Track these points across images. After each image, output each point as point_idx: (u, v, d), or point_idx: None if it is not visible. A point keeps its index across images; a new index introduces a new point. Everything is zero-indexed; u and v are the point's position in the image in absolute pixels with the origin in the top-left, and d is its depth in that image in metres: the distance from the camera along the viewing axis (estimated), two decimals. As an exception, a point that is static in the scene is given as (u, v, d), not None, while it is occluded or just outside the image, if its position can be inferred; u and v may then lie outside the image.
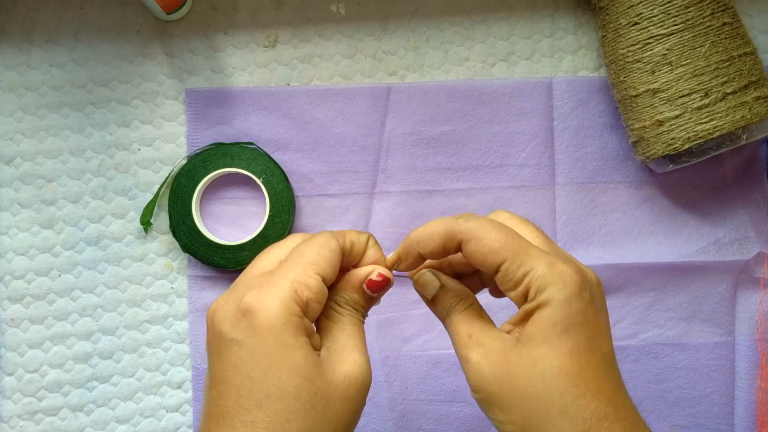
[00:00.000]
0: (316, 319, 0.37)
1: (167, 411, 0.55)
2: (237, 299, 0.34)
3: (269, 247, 0.38)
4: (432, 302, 0.39)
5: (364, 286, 0.38)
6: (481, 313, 0.38)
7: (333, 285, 0.38)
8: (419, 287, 0.39)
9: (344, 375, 0.34)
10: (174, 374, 0.55)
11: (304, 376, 0.33)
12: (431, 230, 0.36)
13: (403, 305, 0.55)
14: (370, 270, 0.38)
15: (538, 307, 0.33)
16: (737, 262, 0.55)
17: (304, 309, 0.34)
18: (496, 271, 0.35)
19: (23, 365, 0.55)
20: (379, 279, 0.38)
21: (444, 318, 0.38)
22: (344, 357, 0.35)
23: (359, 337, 0.37)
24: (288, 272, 0.35)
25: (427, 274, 0.39)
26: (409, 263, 0.38)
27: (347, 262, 0.38)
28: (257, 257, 0.38)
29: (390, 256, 0.39)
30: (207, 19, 0.55)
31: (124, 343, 0.55)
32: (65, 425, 0.55)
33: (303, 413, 0.32)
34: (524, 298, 0.34)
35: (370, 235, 0.40)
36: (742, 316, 0.56)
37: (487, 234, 0.35)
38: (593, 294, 0.35)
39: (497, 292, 0.39)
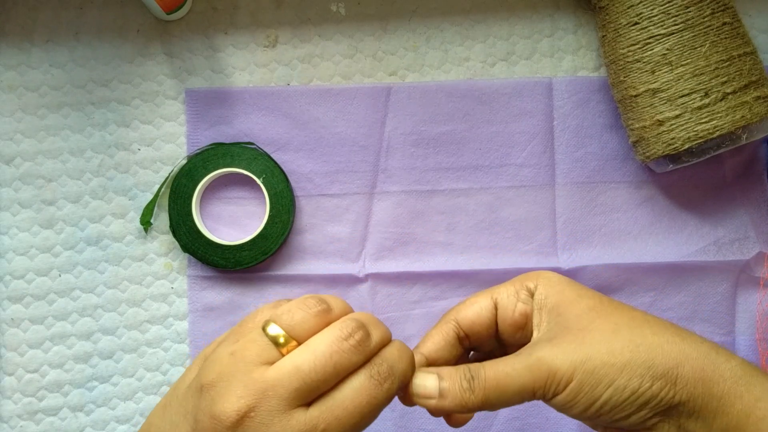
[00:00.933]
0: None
1: (167, 411, 0.55)
2: (238, 398, 0.30)
3: (321, 335, 0.32)
4: (443, 401, 0.34)
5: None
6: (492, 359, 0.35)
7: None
8: (422, 399, 0.35)
9: None
10: (174, 374, 0.55)
11: None
12: (432, 338, 0.38)
13: (403, 305, 0.55)
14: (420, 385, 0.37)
15: (549, 283, 0.36)
16: (737, 262, 0.55)
17: (308, 395, 0.31)
18: (494, 309, 0.37)
19: (23, 365, 0.55)
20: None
21: (471, 397, 0.34)
22: None
23: None
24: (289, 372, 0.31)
25: (417, 378, 0.35)
26: None
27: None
28: (303, 350, 0.32)
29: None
30: (207, 19, 0.55)
31: (124, 343, 0.55)
32: (65, 425, 0.55)
33: None
34: (530, 298, 0.36)
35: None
36: (742, 316, 0.56)
37: (466, 300, 0.38)
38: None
39: None
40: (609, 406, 0.32)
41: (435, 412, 0.35)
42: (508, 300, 0.37)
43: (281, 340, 0.32)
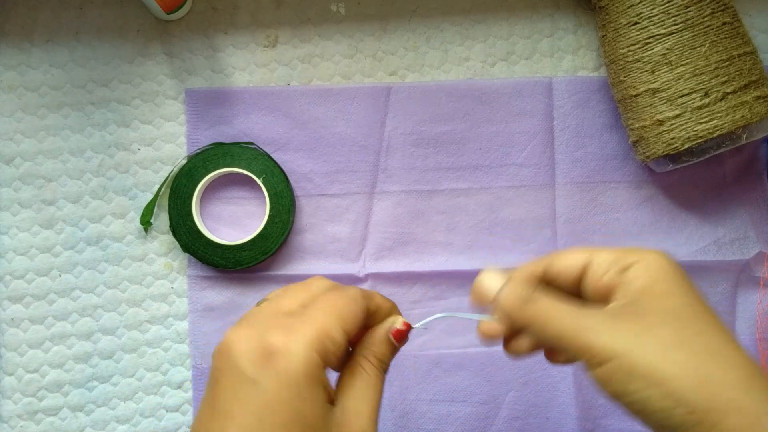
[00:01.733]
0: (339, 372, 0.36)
1: (167, 411, 0.55)
2: (260, 336, 0.32)
3: (290, 286, 0.37)
4: (497, 300, 0.36)
5: (390, 337, 0.37)
6: (565, 298, 0.35)
7: (354, 343, 0.37)
8: (477, 292, 0.38)
9: None
10: (174, 374, 0.55)
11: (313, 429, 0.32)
12: (522, 269, 0.37)
13: (403, 305, 0.55)
14: (392, 321, 0.38)
15: (647, 265, 0.33)
16: (737, 261, 0.55)
17: (325, 361, 0.33)
18: (583, 268, 0.35)
19: (23, 365, 0.55)
20: (403, 327, 0.38)
21: (520, 310, 0.35)
22: (357, 425, 0.33)
23: (376, 404, 0.35)
24: (315, 319, 0.33)
25: (485, 274, 0.37)
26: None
27: (368, 324, 0.38)
28: (277, 294, 0.37)
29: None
30: (207, 19, 0.55)
31: (124, 343, 0.55)
32: (65, 425, 0.55)
33: None
34: (621, 273, 0.34)
35: (395, 305, 0.39)
36: (742, 316, 0.56)
37: (567, 249, 0.37)
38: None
39: (553, 356, 0.38)
40: (636, 407, 0.31)
41: (484, 309, 0.37)
42: (601, 267, 0.35)
43: None
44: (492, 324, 0.37)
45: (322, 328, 0.33)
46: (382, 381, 0.36)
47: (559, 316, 0.34)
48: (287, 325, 0.33)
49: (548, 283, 0.37)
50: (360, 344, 0.37)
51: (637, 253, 0.35)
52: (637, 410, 0.31)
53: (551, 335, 0.34)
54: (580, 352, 0.32)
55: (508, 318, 0.36)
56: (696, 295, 0.34)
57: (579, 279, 0.36)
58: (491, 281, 0.37)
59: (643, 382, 0.30)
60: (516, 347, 0.37)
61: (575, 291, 0.37)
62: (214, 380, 0.33)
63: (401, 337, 0.38)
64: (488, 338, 0.37)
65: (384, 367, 0.37)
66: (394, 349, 0.38)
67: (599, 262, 0.35)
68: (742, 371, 0.31)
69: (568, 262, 0.36)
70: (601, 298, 0.35)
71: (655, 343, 0.31)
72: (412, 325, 0.39)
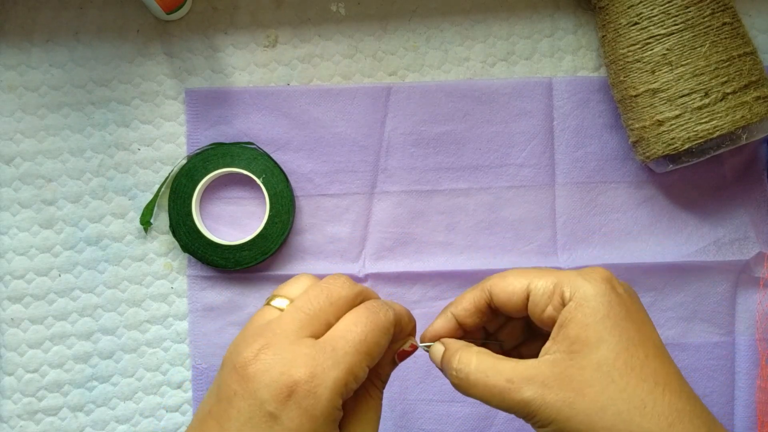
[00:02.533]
0: None
1: (167, 411, 0.55)
2: (284, 367, 0.32)
3: (308, 285, 0.37)
4: (443, 368, 0.37)
5: (396, 357, 0.38)
6: (496, 356, 0.36)
7: None
8: (434, 358, 0.39)
9: None
10: (174, 374, 0.55)
11: None
12: (464, 301, 0.37)
13: (402, 305, 0.55)
14: (401, 343, 0.38)
15: (577, 307, 0.33)
16: (737, 262, 0.55)
17: (344, 399, 0.33)
18: (527, 298, 0.35)
19: (23, 365, 0.55)
20: (410, 349, 0.38)
21: (465, 380, 0.36)
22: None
23: (377, 424, 0.36)
24: (344, 361, 0.33)
25: (434, 345, 0.39)
26: (450, 334, 0.39)
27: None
28: (291, 291, 0.37)
29: (430, 330, 0.39)
30: (207, 19, 0.55)
31: (124, 343, 0.55)
32: (65, 425, 0.55)
33: None
34: (561, 308, 0.34)
35: (415, 325, 0.40)
36: (742, 316, 0.56)
37: (508, 272, 0.37)
38: (626, 288, 0.35)
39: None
40: None
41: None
42: (540, 300, 0.35)
43: (285, 305, 0.36)
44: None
45: (350, 370, 0.33)
46: (381, 398, 0.37)
47: (490, 385, 0.34)
48: (313, 357, 0.32)
49: (495, 311, 0.38)
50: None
51: (573, 284, 0.34)
52: None
53: (489, 399, 0.34)
54: (516, 412, 0.34)
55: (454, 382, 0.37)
56: (630, 334, 0.33)
57: (523, 308, 0.37)
58: (436, 353, 0.38)
59: None
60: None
61: (524, 314, 0.38)
62: (226, 399, 0.32)
63: (405, 356, 0.38)
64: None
65: (384, 386, 0.37)
66: (395, 367, 0.38)
67: (537, 295, 0.35)
68: (675, 412, 0.32)
69: (508, 291, 0.36)
70: (547, 326, 0.36)
71: (588, 404, 0.32)
72: (418, 345, 0.39)
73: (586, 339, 0.33)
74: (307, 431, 0.31)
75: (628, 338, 0.33)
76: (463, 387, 0.36)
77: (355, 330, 0.34)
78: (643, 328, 0.34)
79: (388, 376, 0.38)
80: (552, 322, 0.35)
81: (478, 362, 0.35)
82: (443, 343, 0.38)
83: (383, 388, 0.37)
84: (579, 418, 0.32)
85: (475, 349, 0.36)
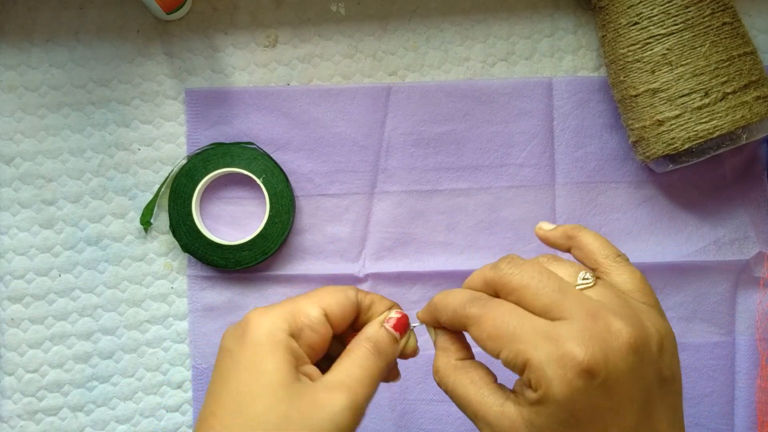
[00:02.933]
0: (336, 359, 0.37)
1: (167, 411, 0.55)
2: (243, 319, 0.36)
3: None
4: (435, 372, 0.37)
5: (386, 326, 0.38)
6: (473, 379, 0.35)
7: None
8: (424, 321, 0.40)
9: (320, 412, 0.33)
10: (174, 374, 0.55)
11: (273, 393, 0.33)
12: (447, 303, 0.36)
13: (403, 305, 0.55)
14: (387, 313, 0.39)
15: (541, 402, 0.30)
16: (737, 262, 0.55)
17: (296, 333, 0.35)
18: (498, 356, 0.33)
19: (23, 365, 0.55)
20: (397, 315, 0.38)
21: (443, 386, 0.36)
22: (330, 395, 0.33)
23: (361, 383, 0.34)
24: (295, 301, 0.36)
25: (437, 334, 0.39)
26: (430, 324, 0.39)
27: (363, 317, 0.39)
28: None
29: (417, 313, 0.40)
30: (207, 19, 0.55)
31: (124, 343, 0.55)
32: (65, 425, 0.55)
33: (266, 427, 0.32)
34: (528, 384, 0.32)
35: (395, 304, 0.40)
36: (742, 316, 0.56)
37: (486, 320, 0.33)
38: (614, 368, 0.30)
39: None
40: None
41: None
42: (512, 369, 0.32)
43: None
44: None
45: (295, 305, 0.36)
46: (377, 366, 0.36)
47: (469, 398, 0.34)
48: (262, 311, 0.36)
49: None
50: (358, 333, 0.38)
51: (544, 369, 0.30)
52: None
53: (470, 413, 0.34)
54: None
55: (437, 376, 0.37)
56: (591, 430, 0.31)
57: None
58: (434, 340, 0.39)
59: None
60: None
61: None
62: (215, 361, 0.36)
63: (399, 326, 0.38)
64: None
65: (379, 352, 0.37)
66: (392, 339, 0.38)
67: (508, 366, 0.32)
68: None
69: (482, 346, 0.34)
70: None
71: None
72: (413, 324, 0.39)
73: (542, 427, 0.31)
74: (251, 355, 0.34)
75: (587, 406, 0.30)
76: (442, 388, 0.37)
77: (312, 290, 0.38)
78: (611, 423, 0.30)
79: (381, 342, 0.37)
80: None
81: (454, 381, 0.35)
82: (444, 343, 0.38)
83: (378, 353, 0.37)
84: None
85: (458, 365, 0.36)
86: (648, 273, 0.55)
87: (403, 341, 0.39)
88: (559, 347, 0.30)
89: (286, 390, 0.33)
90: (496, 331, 0.32)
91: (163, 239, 0.55)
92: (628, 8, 0.50)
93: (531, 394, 0.31)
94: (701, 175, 0.56)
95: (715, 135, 0.49)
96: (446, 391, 0.36)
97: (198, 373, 0.55)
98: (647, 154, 0.52)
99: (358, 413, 0.34)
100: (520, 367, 0.31)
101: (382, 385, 0.55)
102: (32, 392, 0.55)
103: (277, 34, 0.56)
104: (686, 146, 0.49)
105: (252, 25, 0.55)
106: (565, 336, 0.30)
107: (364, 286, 0.55)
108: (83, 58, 0.55)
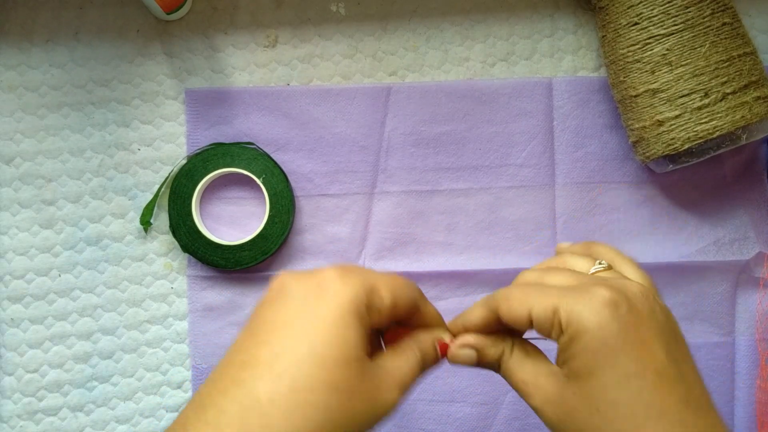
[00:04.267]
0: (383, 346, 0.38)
1: (167, 411, 0.55)
2: (315, 277, 0.34)
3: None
4: (479, 365, 0.38)
5: (436, 345, 0.38)
6: (528, 351, 0.37)
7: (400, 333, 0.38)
8: (459, 362, 0.39)
9: (381, 396, 0.33)
10: (174, 374, 0.55)
11: (347, 363, 0.31)
12: (473, 317, 0.38)
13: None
14: (441, 332, 0.39)
15: (572, 340, 0.32)
16: (737, 262, 0.55)
17: (369, 309, 0.33)
18: (530, 321, 0.34)
19: (23, 365, 0.55)
20: (449, 343, 0.38)
21: (497, 370, 0.38)
22: (387, 380, 0.34)
23: (409, 379, 0.35)
24: (370, 276, 0.34)
25: (460, 352, 0.38)
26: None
27: (415, 321, 0.38)
28: None
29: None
30: (207, 19, 0.55)
31: (124, 343, 0.55)
32: (65, 425, 0.55)
33: (327, 390, 0.31)
34: (560, 334, 0.33)
35: (441, 317, 0.40)
36: (742, 316, 0.56)
37: (511, 293, 0.36)
38: (633, 305, 0.33)
39: None
40: None
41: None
42: (543, 324, 0.34)
43: None
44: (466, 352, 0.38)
45: (373, 281, 0.34)
46: (419, 371, 0.37)
47: (531, 385, 0.35)
48: (342, 273, 0.34)
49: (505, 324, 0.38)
50: (409, 336, 0.38)
51: (572, 307, 0.33)
52: None
53: (514, 383, 0.36)
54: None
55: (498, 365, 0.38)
56: (626, 367, 0.32)
57: (531, 326, 0.36)
58: (462, 352, 0.38)
59: None
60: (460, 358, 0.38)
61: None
62: (261, 306, 0.34)
63: (444, 351, 0.38)
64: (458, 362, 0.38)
65: (424, 364, 0.37)
66: (436, 358, 0.38)
67: (539, 321, 0.34)
68: None
69: (513, 316, 0.36)
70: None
71: (576, 428, 0.33)
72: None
73: (578, 370, 0.33)
74: (333, 317, 0.32)
75: (621, 373, 0.32)
76: (501, 372, 0.37)
77: (380, 273, 0.37)
78: (643, 355, 0.32)
79: (428, 355, 0.37)
80: (555, 338, 0.35)
81: (511, 360, 0.37)
82: (477, 349, 0.38)
83: (424, 364, 0.37)
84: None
85: (509, 345, 0.38)
86: (648, 273, 0.55)
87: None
88: (584, 292, 0.33)
89: (360, 365, 0.32)
90: (524, 296, 0.35)
91: (163, 239, 0.55)
92: (628, 8, 0.50)
93: (563, 338, 0.33)
94: (701, 175, 0.56)
95: (715, 135, 0.49)
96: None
97: (198, 374, 0.55)
98: (647, 154, 0.52)
99: (392, 409, 0.35)
100: (549, 318, 0.33)
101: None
102: (32, 392, 0.55)
103: (277, 34, 0.56)
104: (686, 146, 0.49)
105: (252, 25, 0.55)
106: (589, 284, 0.34)
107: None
108: (83, 58, 0.55)
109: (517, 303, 0.35)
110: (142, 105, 0.55)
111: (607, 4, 0.52)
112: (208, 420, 0.30)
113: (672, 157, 0.51)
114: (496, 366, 0.38)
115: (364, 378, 0.32)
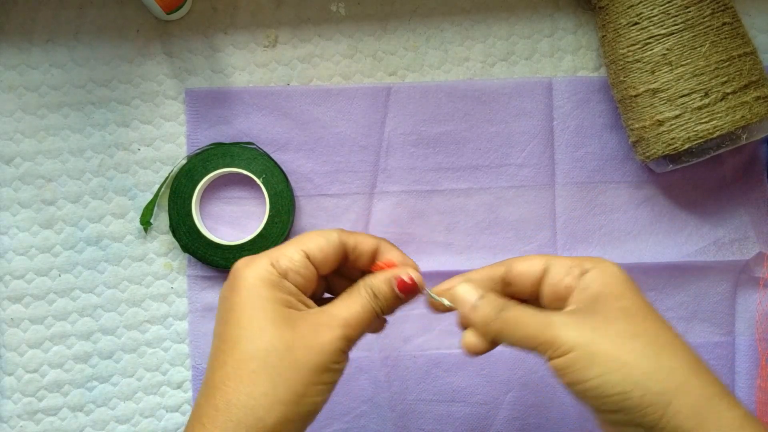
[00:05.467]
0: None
1: (167, 411, 0.55)
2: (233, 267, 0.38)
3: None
4: (473, 311, 0.38)
5: (394, 283, 0.39)
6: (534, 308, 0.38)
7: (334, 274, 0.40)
8: (453, 301, 0.40)
9: (320, 337, 0.36)
10: (174, 374, 0.55)
11: (273, 323, 0.35)
12: (479, 271, 0.40)
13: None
14: (403, 270, 0.39)
15: (602, 271, 0.36)
16: (737, 262, 0.55)
17: (279, 270, 0.37)
18: (542, 273, 0.38)
19: (23, 365, 0.55)
20: (408, 281, 0.39)
21: (493, 321, 0.37)
22: (330, 322, 0.36)
23: (357, 320, 0.37)
24: (277, 248, 0.38)
25: (462, 286, 0.39)
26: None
27: (352, 258, 0.39)
28: None
29: (441, 285, 0.41)
30: (207, 19, 0.55)
31: (124, 343, 0.55)
32: (65, 425, 0.55)
33: (266, 355, 0.35)
34: (580, 277, 0.37)
35: (383, 241, 0.40)
36: (742, 316, 0.56)
37: (527, 256, 0.40)
38: (628, 277, 0.38)
39: None
40: (595, 393, 0.33)
41: (462, 320, 0.39)
42: (559, 271, 0.38)
43: None
44: (473, 337, 0.38)
45: (278, 250, 0.38)
46: (372, 312, 0.38)
47: (526, 321, 0.36)
48: (252, 257, 0.38)
49: (506, 286, 0.40)
50: (365, 276, 0.39)
51: (593, 261, 0.38)
52: (594, 395, 0.33)
53: (520, 337, 0.36)
54: (544, 346, 0.35)
55: (484, 326, 0.38)
56: (644, 299, 0.37)
57: (536, 283, 0.39)
58: (471, 293, 0.39)
59: (603, 368, 0.33)
60: (475, 347, 0.39)
61: (531, 295, 0.39)
62: (221, 295, 0.38)
63: (405, 289, 0.39)
64: (472, 351, 0.38)
65: (379, 304, 0.38)
66: (396, 297, 0.39)
67: (557, 268, 0.38)
68: (689, 359, 0.34)
69: (527, 266, 0.39)
70: (557, 302, 0.38)
71: (613, 335, 0.34)
72: (424, 289, 0.40)
73: (609, 293, 0.36)
74: (242, 296, 0.36)
75: (644, 299, 0.36)
76: (499, 324, 0.37)
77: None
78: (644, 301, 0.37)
79: (383, 294, 0.39)
80: (565, 292, 0.37)
81: (515, 306, 0.38)
82: (481, 292, 0.39)
83: (378, 303, 0.38)
84: (603, 343, 0.34)
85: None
86: (648, 273, 0.55)
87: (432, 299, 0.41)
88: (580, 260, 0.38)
89: (286, 320, 0.35)
90: (540, 256, 0.39)
91: (163, 239, 0.55)
92: (628, 8, 0.50)
93: (584, 279, 0.37)
94: (701, 175, 0.56)
95: (715, 135, 0.49)
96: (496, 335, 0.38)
97: (198, 374, 0.55)
98: (647, 154, 0.52)
99: (349, 348, 0.37)
100: (567, 267, 0.37)
101: (382, 385, 0.55)
102: (32, 392, 0.55)
103: (277, 34, 0.56)
104: (686, 146, 0.49)
105: (252, 25, 0.55)
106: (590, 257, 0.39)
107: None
108: (83, 58, 0.55)
109: (533, 259, 0.39)
110: (142, 105, 0.55)
111: (607, 4, 0.52)
112: (218, 406, 0.34)
113: (672, 157, 0.51)
114: (493, 317, 0.37)
115: (297, 327, 0.35)
